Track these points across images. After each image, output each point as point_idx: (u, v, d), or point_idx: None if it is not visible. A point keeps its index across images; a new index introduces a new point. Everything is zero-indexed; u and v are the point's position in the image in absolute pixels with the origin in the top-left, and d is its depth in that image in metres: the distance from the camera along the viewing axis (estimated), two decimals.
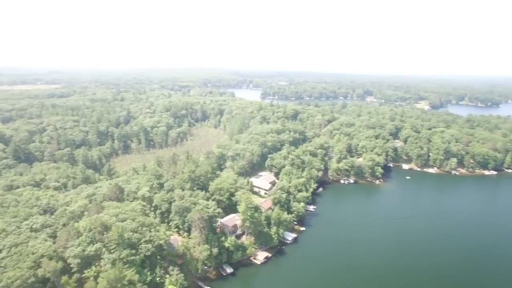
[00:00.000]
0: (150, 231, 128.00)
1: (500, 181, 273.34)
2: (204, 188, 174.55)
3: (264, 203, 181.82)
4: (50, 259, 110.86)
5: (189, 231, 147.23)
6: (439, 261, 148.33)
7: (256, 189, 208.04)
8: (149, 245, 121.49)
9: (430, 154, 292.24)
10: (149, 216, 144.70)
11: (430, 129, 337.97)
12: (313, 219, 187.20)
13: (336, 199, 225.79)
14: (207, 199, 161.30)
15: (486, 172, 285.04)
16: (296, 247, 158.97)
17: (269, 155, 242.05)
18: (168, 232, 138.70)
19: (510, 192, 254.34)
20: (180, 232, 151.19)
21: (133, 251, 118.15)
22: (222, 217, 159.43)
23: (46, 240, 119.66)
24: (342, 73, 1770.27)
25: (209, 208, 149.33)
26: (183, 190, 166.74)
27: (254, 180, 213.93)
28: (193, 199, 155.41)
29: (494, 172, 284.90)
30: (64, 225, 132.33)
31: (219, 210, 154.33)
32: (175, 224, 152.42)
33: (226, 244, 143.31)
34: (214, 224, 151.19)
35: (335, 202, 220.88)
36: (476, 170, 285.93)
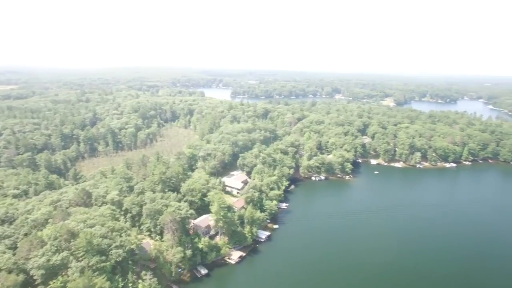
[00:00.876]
0: (120, 236, 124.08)
1: (459, 172, 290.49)
2: (176, 189, 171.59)
3: (237, 203, 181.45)
4: (10, 272, 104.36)
5: (161, 234, 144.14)
6: (408, 251, 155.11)
7: (228, 189, 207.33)
8: (120, 251, 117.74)
9: (396, 149, 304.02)
10: (119, 221, 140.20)
11: (395, 125, 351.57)
12: (286, 216, 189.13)
13: (308, 196, 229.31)
14: (179, 201, 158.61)
15: (447, 165, 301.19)
16: (270, 245, 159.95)
17: (240, 154, 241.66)
18: (139, 236, 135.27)
19: (468, 183, 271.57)
20: (152, 235, 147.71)
21: (103, 257, 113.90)
22: (195, 218, 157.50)
23: (4, 253, 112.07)
24: (311, 72, 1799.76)
25: (181, 210, 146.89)
26: (154, 192, 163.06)
27: (226, 180, 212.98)
28: (164, 201, 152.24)
29: (454, 165, 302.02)
30: (25, 234, 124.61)
31: (192, 211, 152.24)
32: (147, 227, 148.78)
33: (200, 245, 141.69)
34: (187, 226, 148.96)
35: (307, 199, 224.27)
36: (438, 163, 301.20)
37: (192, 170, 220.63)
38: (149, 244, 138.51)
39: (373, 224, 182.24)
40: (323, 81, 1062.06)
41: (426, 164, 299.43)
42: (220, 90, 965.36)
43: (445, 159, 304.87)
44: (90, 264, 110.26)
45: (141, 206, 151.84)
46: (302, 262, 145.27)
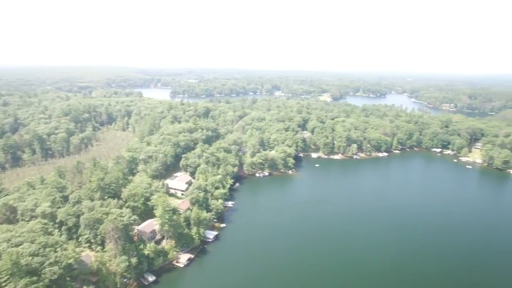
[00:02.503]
0: (55, 251, 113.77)
1: (390, 160, 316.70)
2: (116, 195, 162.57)
3: (182, 204, 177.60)
4: None
5: (103, 244, 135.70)
6: (353, 236, 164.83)
7: (172, 191, 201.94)
8: (55, 268, 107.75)
9: (335, 142, 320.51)
10: (52, 235, 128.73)
11: (333, 119, 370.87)
12: (233, 214, 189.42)
13: (253, 193, 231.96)
14: (121, 207, 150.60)
15: (380, 154, 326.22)
16: (218, 244, 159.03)
17: (183, 155, 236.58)
18: (78, 249, 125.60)
19: (398, 169, 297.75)
20: (93, 246, 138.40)
21: (34, 278, 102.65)
22: (139, 224, 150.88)
23: None
24: (251, 69, 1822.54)
25: (124, 217, 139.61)
26: (92, 200, 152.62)
27: (169, 182, 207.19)
28: (104, 209, 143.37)
29: (386, 154, 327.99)
30: None
31: (135, 217, 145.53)
32: (86, 238, 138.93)
33: (146, 252, 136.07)
34: (130, 233, 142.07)
35: (252, 196, 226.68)
36: (372, 153, 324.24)
37: (133, 174, 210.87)
38: (90, 256, 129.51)
39: (317, 214, 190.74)
40: (262, 79, 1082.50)
41: (362, 154, 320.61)
42: (158, 90, 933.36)
43: (378, 149, 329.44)
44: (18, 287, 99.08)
45: (78, 217, 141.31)
46: (251, 258, 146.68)
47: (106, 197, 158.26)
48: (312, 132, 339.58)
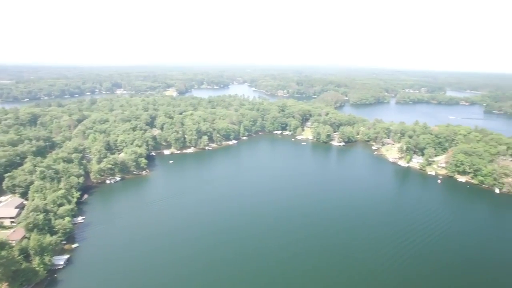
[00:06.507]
0: None
1: (240, 147, 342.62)
2: None
3: (14, 234, 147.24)
4: None
5: None
6: (211, 225, 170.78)
7: None
8: None
9: (186, 136, 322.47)
10: None
11: (181, 113, 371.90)
12: (85, 231, 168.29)
13: (106, 202, 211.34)
14: None
15: (230, 143, 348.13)
16: (72, 268, 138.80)
17: (6, 175, 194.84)
18: None
19: (247, 153, 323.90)
20: None
21: None
22: None
23: None
24: (85, 66, 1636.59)
25: None
26: None
27: None
28: None
29: (235, 141, 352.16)
30: None
31: None
32: None
33: None
34: None
35: (105, 205, 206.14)
36: (223, 143, 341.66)
37: None
38: None
39: (176, 209, 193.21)
40: (100, 76, 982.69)
41: (214, 145, 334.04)
42: None
43: (228, 138, 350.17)
44: None
45: None
46: (113, 273, 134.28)
47: None
48: (162, 128, 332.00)
